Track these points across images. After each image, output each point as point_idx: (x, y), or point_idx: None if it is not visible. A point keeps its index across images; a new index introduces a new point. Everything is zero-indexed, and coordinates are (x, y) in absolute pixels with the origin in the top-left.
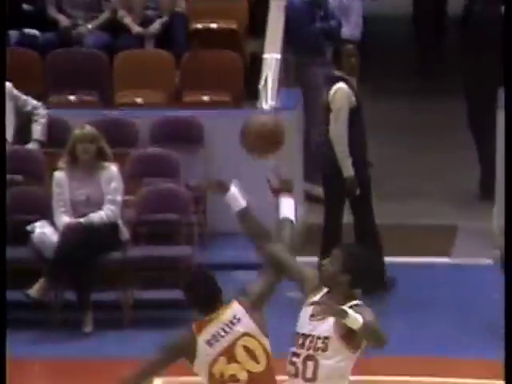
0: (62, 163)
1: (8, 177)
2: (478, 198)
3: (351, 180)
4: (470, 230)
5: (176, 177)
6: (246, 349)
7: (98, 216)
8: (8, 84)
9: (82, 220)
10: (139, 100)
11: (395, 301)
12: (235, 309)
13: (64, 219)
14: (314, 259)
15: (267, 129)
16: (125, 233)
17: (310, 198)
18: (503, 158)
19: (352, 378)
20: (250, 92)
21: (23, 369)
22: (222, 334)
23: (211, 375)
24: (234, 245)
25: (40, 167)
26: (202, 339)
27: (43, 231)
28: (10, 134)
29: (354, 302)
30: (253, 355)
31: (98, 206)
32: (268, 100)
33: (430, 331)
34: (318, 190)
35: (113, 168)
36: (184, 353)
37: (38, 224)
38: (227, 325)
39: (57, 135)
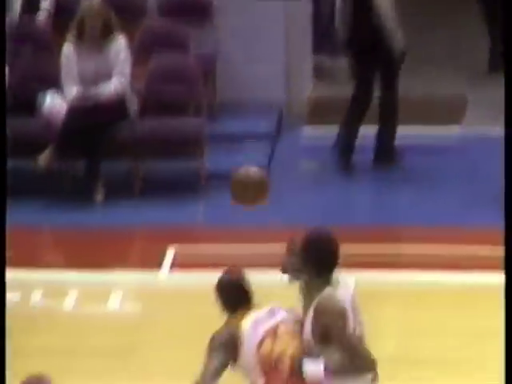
0: (70, 36)
1: (17, 47)
2: (488, 71)
3: (402, 51)
4: (480, 100)
5: (186, 49)
6: (288, 333)
7: (106, 88)
8: None
9: (90, 92)
10: None
11: (403, 172)
12: (273, 304)
13: (72, 91)
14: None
15: (252, 180)
16: (133, 104)
17: (318, 71)
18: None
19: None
20: None
21: (34, 237)
22: (265, 318)
23: (260, 358)
24: (243, 115)
25: (48, 38)
26: (245, 324)
27: (53, 102)
28: (18, 4)
29: (327, 291)
30: (294, 339)
31: (107, 78)
32: None
33: (438, 201)
34: (326, 62)
35: (121, 40)
36: (232, 344)
37: (47, 95)
38: (268, 313)
39: (65, 5)
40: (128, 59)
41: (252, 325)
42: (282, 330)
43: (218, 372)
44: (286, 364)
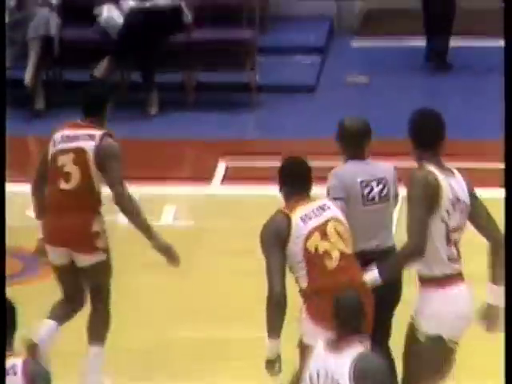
0: None
1: None
2: None
3: None
4: None
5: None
6: (336, 231)
7: None
8: None
9: (147, 3)
10: None
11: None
12: (325, 200)
13: (129, 2)
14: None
15: None
16: (188, 15)
17: None
18: None
19: None
20: None
21: None
22: (315, 213)
23: (306, 250)
24: (295, 29)
25: None
26: (295, 216)
27: (110, 13)
28: None
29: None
30: (343, 237)
31: None
32: None
33: (484, 114)
34: None
35: None
36: (281, 235)
37: (105, 7)
38: (318, 209)
39: None
40: None
41: (302, 217)
42: (330, 226)
43: (283, 267)
44: (333, 260)
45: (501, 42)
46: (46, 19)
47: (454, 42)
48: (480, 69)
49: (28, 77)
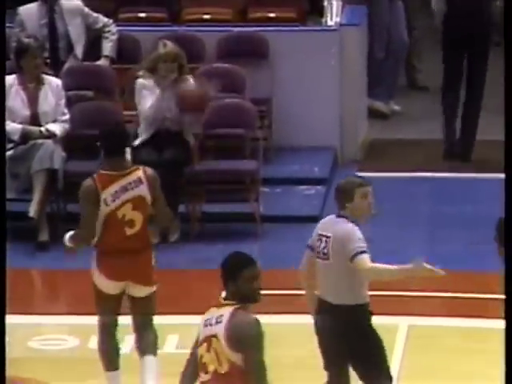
0: (143, 74)
1: (80, 93)
2: None
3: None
4: None
5: (242, 92)
6: (215, 349)
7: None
8: (78, 2)
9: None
10: (206, 16)
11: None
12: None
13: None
14: (380, 175)
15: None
16: (191, 146)
17: (371, 112)
18: None
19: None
20: (315, 8)
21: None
22: (210, 322)
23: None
24: (299, 159)
25: (110, 83)
26: (203, 317)
27: None
28: (80, 50)
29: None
30: (219, 357)
31: (177, 118)
32: (333, 16)
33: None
34: (380, 105)
35: (191, 80)
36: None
37: None
38: (218, 317)
39: (127, 51)
40: None
41: (205, 321)
42: (214, 343)
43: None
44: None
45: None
46: (50, 152)
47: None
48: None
49: (33, 209)
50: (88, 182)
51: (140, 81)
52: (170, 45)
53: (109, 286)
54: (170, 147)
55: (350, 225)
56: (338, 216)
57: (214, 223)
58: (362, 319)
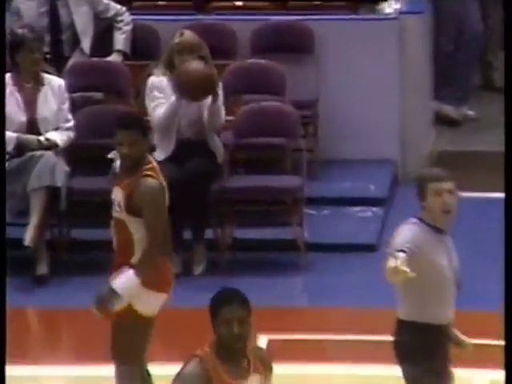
0: (158, 70)
1: (87, 94)
2: None
3: None
4: None
5: (282, 93)
6: None
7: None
8: None
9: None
10: (239, 3)
11: None
12: None
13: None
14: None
15: (197, 74)
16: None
17: (439, 119)
18: None
19: None
20: None
21: None
22: None
23: None
24: (351, 175)
25: (124, 82)
26: None
27: None
28: (87, 44)
29: None
30: None
31: (199, 125)
32: (391, 3)
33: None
34: (449, 110)
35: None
36: None
37: None
38: None
39: (143, 45)
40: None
41: None
42: None
43: None
44: None
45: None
46: (51, 166)
47: None
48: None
49: (30, 236)
50: (155, 182)
51: (152, 79)
52: (187, 34)
53: (155, 304)
54: (193, 160)
55: (406, 226)
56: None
57: (248, 252)
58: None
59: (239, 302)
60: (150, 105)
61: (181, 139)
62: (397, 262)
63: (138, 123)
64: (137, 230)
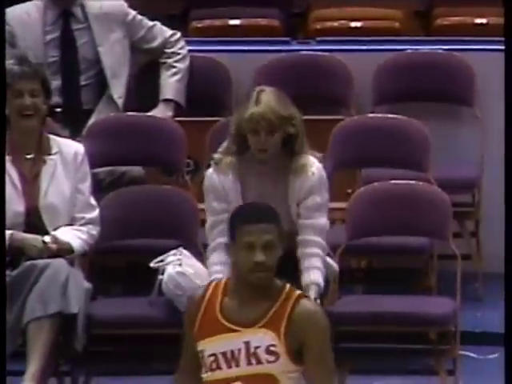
0: (221, 155)
1: (119, 169)
2: None
3: None
4: None
5: (424, 167)
6: None
7: None
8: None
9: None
10: (356, 23)
11: None
12: None
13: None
14: None
15: None
16: (333, 266)
17: None
18: None
19: None
20: None
21: None
22: None
23: None
24: None
25: (175, 149)
26: None
27: (180, 270)
28: (119, 91)
29: None
30: None
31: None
32: None
33: None
34: None
35: (314, 169)
36: None
37: (171, 257)
38: None
39: (206, 91)
40: (324, 201)
41: None
42: None
43: None
44: None
45: None
46: (61, 283)
47: None
48: None
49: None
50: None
51: (209, 174)
52: (268, 95)
53: None
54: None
55: None
56: None
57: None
58: None
59: (271, 217)
60: (207, 214)
61: None
62: None
63: (276, 219)
64: None
